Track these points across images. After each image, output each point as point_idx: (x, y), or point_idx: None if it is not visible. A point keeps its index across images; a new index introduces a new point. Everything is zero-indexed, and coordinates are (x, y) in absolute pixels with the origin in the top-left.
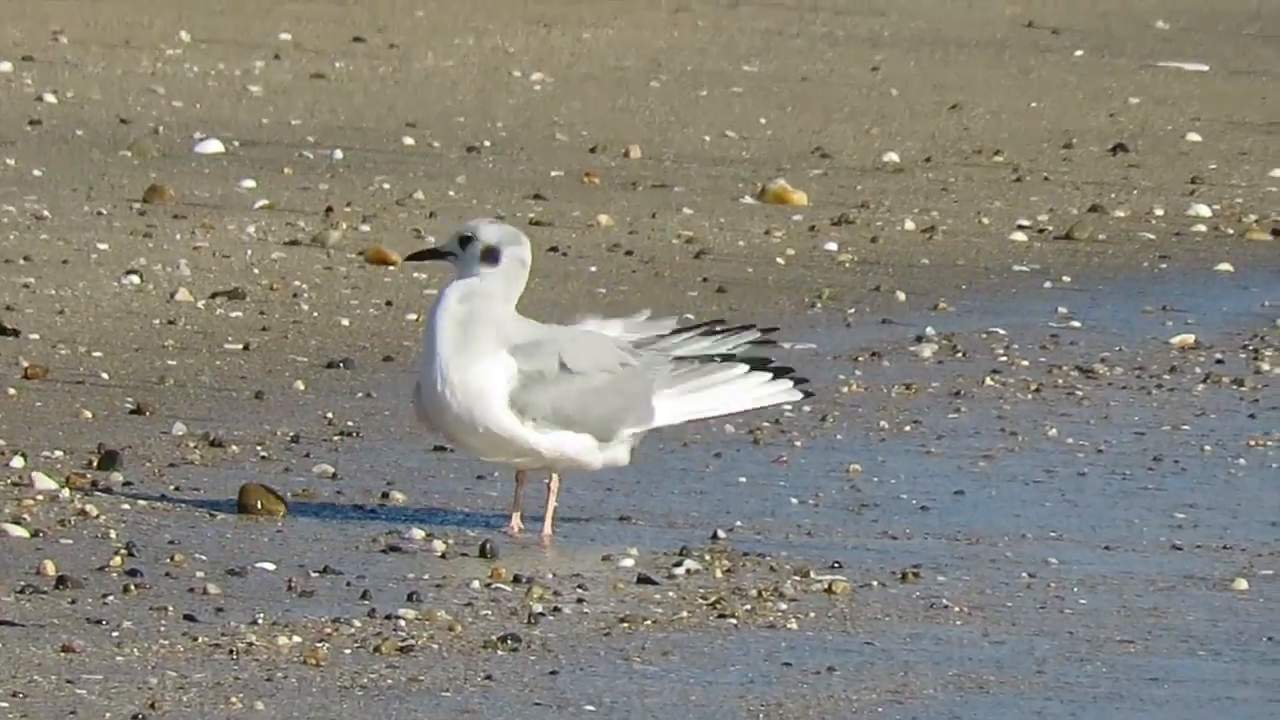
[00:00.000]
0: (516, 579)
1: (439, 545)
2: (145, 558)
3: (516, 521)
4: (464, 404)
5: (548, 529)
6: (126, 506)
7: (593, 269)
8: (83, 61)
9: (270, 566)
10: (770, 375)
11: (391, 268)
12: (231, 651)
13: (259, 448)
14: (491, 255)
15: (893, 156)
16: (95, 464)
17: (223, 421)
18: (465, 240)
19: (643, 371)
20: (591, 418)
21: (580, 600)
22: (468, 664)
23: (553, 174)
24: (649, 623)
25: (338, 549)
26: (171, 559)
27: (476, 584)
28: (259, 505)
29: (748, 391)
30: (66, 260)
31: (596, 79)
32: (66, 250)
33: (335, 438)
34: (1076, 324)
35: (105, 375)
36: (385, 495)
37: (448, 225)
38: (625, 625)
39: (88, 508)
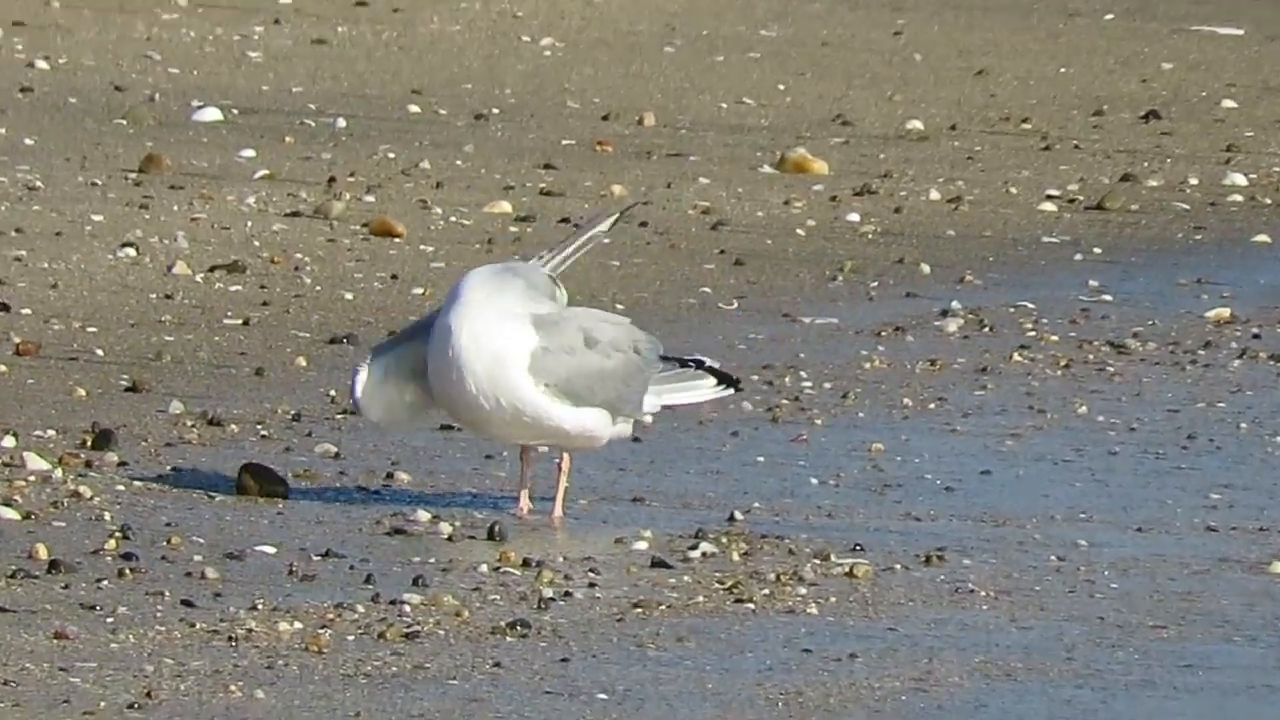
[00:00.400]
0: (526, 562)
1: (445, 527)
2: (141, 541)
3: (525, 502)
4: (481, 365)
5: (558, 510)
6: (121, 488)
7: (606, 241)
8: (75, 27)
9: (271, 550)
10: (724, 384)
11: (397, 239)
12: (230, 638)
13: (259, 427)
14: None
15: (916, 124)
16: (89, 444)
17: (221, 399)
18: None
19: (646, 366)
20: (599, 398)
21: (592, 585)
22: (475, 651)
23: (564, 143)
24: (664, 608)
25: (340, 532)
26: (168, 542)
27: (484, 568)
28: (259, 487)
29: (703, 392)
30: (60, 232)
31: (609, 44)
32: (60, 222)
33: (338, 416)
34: (1108, 297)
35: (100, 351)
36: (390, 476)
37: (463, 196)
38: (639, 610)
39: (81, 489)
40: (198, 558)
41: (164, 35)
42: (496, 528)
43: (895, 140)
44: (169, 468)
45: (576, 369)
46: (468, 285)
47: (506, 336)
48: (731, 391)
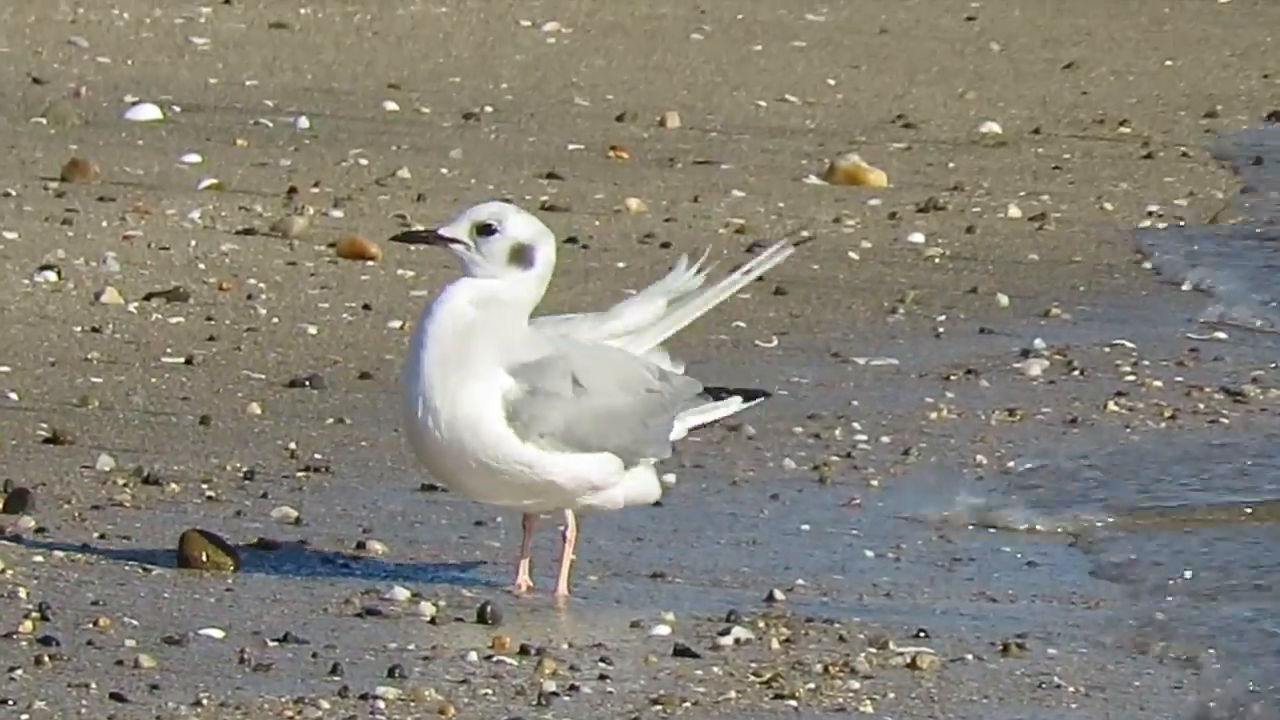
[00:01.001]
0: (524, 650)
1: (428, 608)
2: (63, 622)
3: (524, 578)
4: (452, 435)
5: (562, 588)
6: (40, 559)
7: (620, 265)
8: None
9: (218, 634)
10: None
11: (369, 262)
12: None
13: (204, 486)
14: (523, 256)
15: (993, 127)
16: (1, 506)
17: (160, 453)
18: (484, 230)
19: (670, 402)
20: (610, 443)
21: (603, 677)
22: None
23: (570, 147)
24: (689, 705)
25: (302, 612)
26: (95, 624)
27: (474, 656)
28: (204, 558)
29: (731, 407)
30: None
31: (625, 30)
32: None
33: (299, 474)
34: (1222, 335)
35: (14, 395)
36: (361, 545)
37: (450, 210)
38: (659, 708)
39: None
40: (130, 643)
41: (92, 18)
42: (489, 608)
43: (967, 146)
44: (96, 535)
45: (576, 413)
46: (423, 349)
47: (473, 402)
48: (761, 399)
